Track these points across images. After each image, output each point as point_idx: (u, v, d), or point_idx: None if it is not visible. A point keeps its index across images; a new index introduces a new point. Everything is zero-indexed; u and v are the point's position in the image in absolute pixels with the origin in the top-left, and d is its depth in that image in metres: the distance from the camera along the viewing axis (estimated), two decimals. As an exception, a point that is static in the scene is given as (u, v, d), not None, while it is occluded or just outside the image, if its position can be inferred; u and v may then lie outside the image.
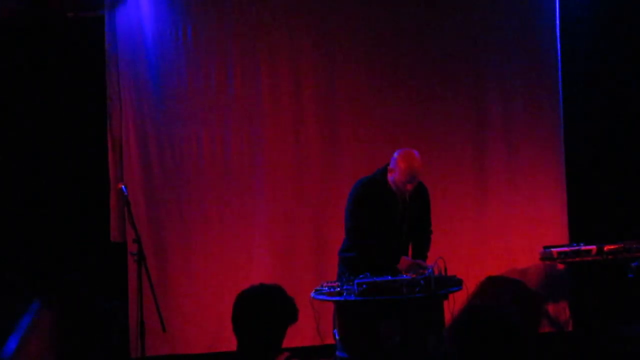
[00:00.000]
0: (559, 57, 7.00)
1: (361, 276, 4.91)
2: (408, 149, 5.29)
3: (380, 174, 5.34)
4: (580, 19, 7.02)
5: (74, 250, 6.63)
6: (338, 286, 4.97)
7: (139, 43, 6.71)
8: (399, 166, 5.18)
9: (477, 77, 7.00)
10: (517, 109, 7.02)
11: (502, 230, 6.96)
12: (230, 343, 3.27)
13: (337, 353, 5.01)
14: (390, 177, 5.25)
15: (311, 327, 5.33)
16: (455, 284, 5.03)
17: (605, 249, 6.15)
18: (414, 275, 5.00)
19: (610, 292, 6.35)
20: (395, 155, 5.24)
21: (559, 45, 7.00)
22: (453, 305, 4.98)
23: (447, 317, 5.06)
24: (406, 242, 5.45)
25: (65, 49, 6.72)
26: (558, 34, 6.99)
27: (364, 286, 4.79)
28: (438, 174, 6.81)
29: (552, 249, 6.27)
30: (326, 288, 5.04)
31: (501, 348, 2.62)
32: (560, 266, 6.70)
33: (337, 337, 5.03)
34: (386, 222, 5.30)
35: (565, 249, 6.26)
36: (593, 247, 6.17)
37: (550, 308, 6.95)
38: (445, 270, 5.02)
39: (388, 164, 5.29)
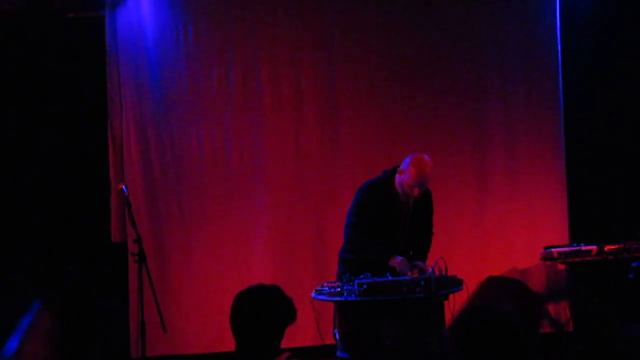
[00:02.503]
0: (559, 57, 7.01)
1: (362, 276, 4.91)
2: (422, 154, 5.28)
3: (387, 176, 5.34)
4: (580, 19, 7.03)
5: (75, 250, 6.64)
6: (339, 286, 4.97)
7: (140, 43, 6.71)
8: (409, 170, 5.18)
9: (477, 77, 7.01)
10: (517, 109, 7.03)
11: (502, 230, 6.96)
12: (230, 343, 3.28)
13: (338, 353, 5.01)
14: (398, 178, 5.25)
15: (311, 327, 5.33)
16: (456, 284, 5.03)
17: (606, 249, 6.15)
18: (414, 275, 5.01)
19: (610, 292, 6.35)
20: (408, 158, 5.23)
21: (559, 45, 7.01)
22: (453, 305, 4.98)
23: (448, 317, 5.06)
24: (407, 244, 5.45)
25: (65, 49, 6.73)
26: (558, 34, 7.00)
27: (365, 286, 4.79)
28: (438, 174, 6.79)
29: (553, 249, 6.27)
30: (327, 288, 5.04)
31: (501, 348, 2.62)
32: (561, 266, 6.70)
33: (337, 337, 5.03)
34: (388, 225, 5.30)
35: (566, 249, 6.26)
36: (593, 247, 6.17)
37: (551, 308, 6.95)
38: (446, 270, 5.02)
39: (397, 166, 5.29)
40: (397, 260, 5.12)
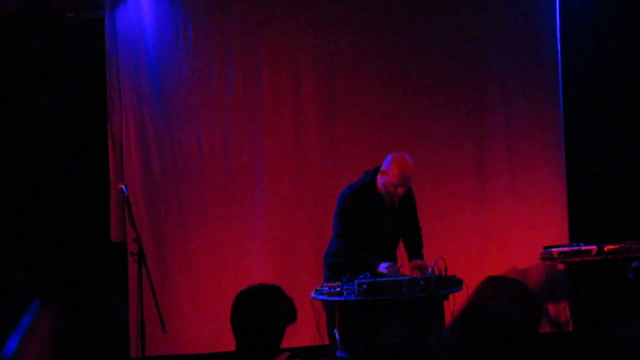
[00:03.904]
0: (559, 57, 7.01)
1: (362, 276, 4.91)
2: (401, 153, 5.29)
3: (369, 177, 5.34)
4: (580, 19, 7.03)
5: (74, 250, 6.63)
6: (338, 286, 4.97)
7: (139, 43, 6.71)
8: (391, 170, 5.18)
9: (477, 77, 7.01)
10: (517, 109, 7.03)
11: (502, 230, 6.96)
12: (230, 343, 3.28)
13: (338, 353, 5.01)
14: (381, 179, 5.25)
15: (311, 327, 5.33)
16: (456, 284, 5.03)
17: (605, 249, 6.16)
18: (415, 275, 5.01)
19: (610, 292, 6.36)
20: (389, 158, 5.24)
21: (559, 45, 7.01)
22: (453, 305, 4.98)
23: (448, 317, 5.07)
24: (396, 243, 5.46)
25: (65, 49, 6.72)
26: (558, 34, 7.00)
27: (365, 286, 4.79)
28: (438, 174, 6.83)
29: (552, 249, 6.27)
30: (326, 288, 5.04)
31: (501, 348, 2.62)
32: (560, 266, 6.70)
33: (337, 337, 5.03)
34: (375, 226, 5.30)
35: (565, 249, 6.27)
36: (593, 247, 6.18)
37: (550, 308, 6.95)
38: (446, 270, 5.02)
39: (378, 167, 5.29)
40: (384, 268, 5.12)
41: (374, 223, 5.29)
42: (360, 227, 5.27)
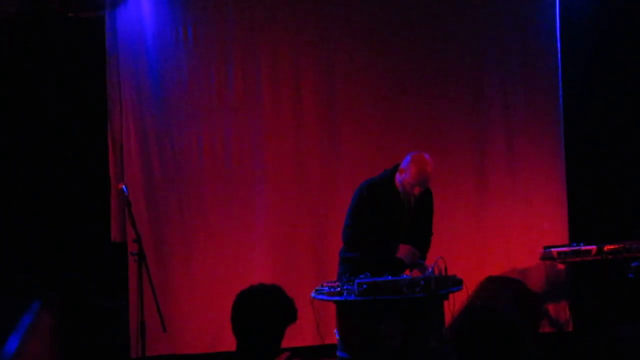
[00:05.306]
0: (559, 58, 7.01)
1: (361, 276, 4.91)
2: (422, 152, 5.27)
3: (388, 174, 5.33)
4: (580, 19, 7.03)
5: (74, 250, 6.64)
6: (338, 286, 4.98)
7: (140, 43, 6.71)
8: (410, 169, 5.17)
9: (477, 78, 7.01)
10: (517, 109, 7.03)
11: (502, 230, 6.96)
12: (230, 343, 3.28)
13: (338, 353, 5.02)
14: (399, 177, 5.24)
15: (311, 327, 5.33)
16: (456, 284, 5.03)
17: (605, 249, 6.15)
18: (414, 275, 5.02)
19: (610, 292, 6.35)
20: (408, 157, 5.22)
21: (559, 46, 7.01)
22: (453, 305, 4.99)
23: (448, 317, 5.07)
24: (408, 243, 5.45)
25: (65, 49, 6.73)
26: (558, 34, 7.00)
27: (365, 286, 4.79)
28: (438, 174, 6.79)
29: (552, 249, 6.27)
30: (326, 288, 5.04)
31: (501, 348, 2.62)
32: (560, 266, 6.70)
33: (337, 336, 5.03)
34: (388, 223, 5.30)
35: (565, 249, 6.26)
36: (593, 247, 6.17)
37: (550, 308, 6.95)
38: (446, 270, 5.02)
39: (398, 164, 5.28)
40: (404, 252, 5.10)
41: (388, 220, 5.27)
42: (371, 222, 5.25)
